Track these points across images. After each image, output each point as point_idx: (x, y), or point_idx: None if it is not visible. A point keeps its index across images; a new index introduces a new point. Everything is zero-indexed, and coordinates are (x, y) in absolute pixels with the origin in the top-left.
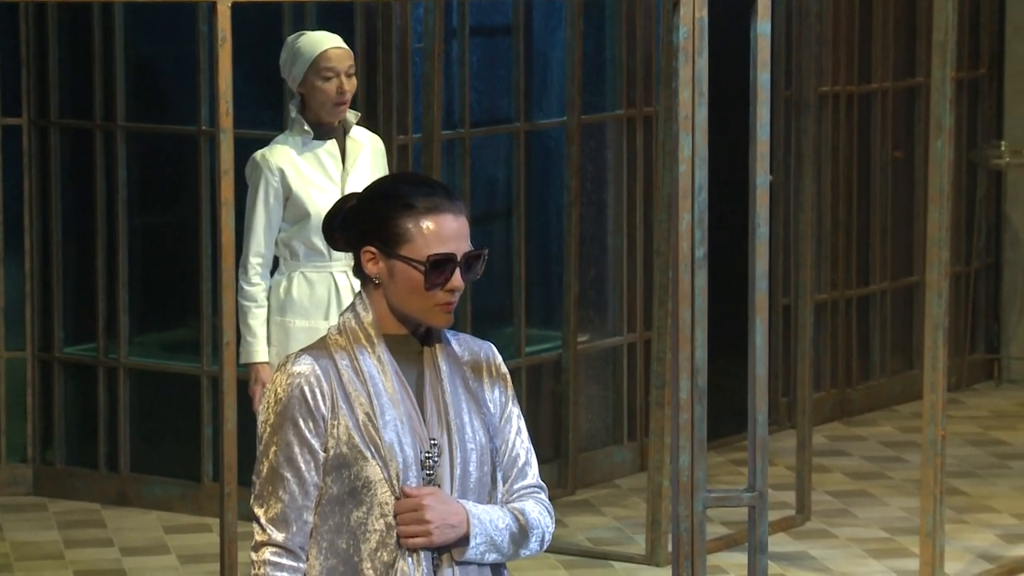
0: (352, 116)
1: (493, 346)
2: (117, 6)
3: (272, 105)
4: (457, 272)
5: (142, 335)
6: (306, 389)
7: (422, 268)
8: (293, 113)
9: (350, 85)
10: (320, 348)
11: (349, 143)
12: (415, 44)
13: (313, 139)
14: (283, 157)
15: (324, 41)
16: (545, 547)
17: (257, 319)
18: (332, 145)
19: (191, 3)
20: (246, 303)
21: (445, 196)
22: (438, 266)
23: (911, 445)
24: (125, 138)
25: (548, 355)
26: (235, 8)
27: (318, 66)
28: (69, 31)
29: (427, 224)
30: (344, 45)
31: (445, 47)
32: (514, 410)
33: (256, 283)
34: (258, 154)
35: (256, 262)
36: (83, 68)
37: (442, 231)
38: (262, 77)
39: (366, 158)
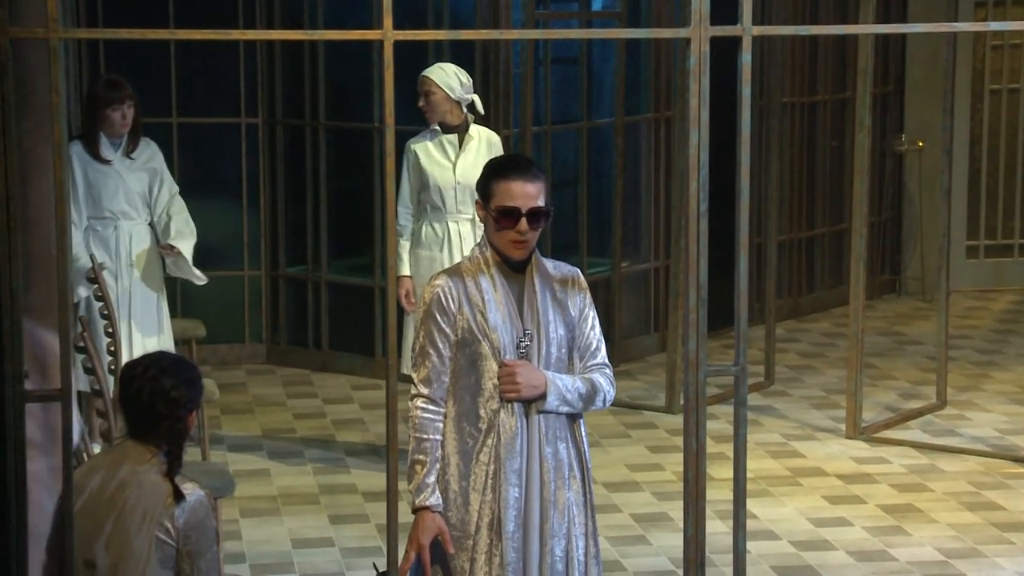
0: (470, 118)
1: (579, 270)
2: (319, 41)
3: (417, 109)
4: (522, 220)
5: (336, 260)
6: (441, 295)
7: (495, 214)
8: None
9: (426, 102)
10: (454, 270)
11: (466, 137)
12: (515, 69)
13: (442, 133)
14: (420, 145)
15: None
16: (608, 405)
17: (403, 248)
18: (453, 137)
19: (369, 41)
20: (396, 237)
21: (524, 168)
22: (505, 214)
23: (841, 335)
24: (325, 131)
25: (601, 275)
26: (396, 44)
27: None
28: (288, 58)
29: (504, 186)
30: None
31: (534, 71)
32: (590, 312)
33: (403, 224)
34: (408, 144)
35: (403, 211)
36: (298, 83)
37: (512, 191)
38: (411, 90)
39: (475, 147)
